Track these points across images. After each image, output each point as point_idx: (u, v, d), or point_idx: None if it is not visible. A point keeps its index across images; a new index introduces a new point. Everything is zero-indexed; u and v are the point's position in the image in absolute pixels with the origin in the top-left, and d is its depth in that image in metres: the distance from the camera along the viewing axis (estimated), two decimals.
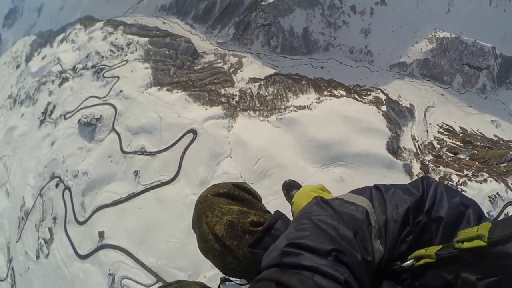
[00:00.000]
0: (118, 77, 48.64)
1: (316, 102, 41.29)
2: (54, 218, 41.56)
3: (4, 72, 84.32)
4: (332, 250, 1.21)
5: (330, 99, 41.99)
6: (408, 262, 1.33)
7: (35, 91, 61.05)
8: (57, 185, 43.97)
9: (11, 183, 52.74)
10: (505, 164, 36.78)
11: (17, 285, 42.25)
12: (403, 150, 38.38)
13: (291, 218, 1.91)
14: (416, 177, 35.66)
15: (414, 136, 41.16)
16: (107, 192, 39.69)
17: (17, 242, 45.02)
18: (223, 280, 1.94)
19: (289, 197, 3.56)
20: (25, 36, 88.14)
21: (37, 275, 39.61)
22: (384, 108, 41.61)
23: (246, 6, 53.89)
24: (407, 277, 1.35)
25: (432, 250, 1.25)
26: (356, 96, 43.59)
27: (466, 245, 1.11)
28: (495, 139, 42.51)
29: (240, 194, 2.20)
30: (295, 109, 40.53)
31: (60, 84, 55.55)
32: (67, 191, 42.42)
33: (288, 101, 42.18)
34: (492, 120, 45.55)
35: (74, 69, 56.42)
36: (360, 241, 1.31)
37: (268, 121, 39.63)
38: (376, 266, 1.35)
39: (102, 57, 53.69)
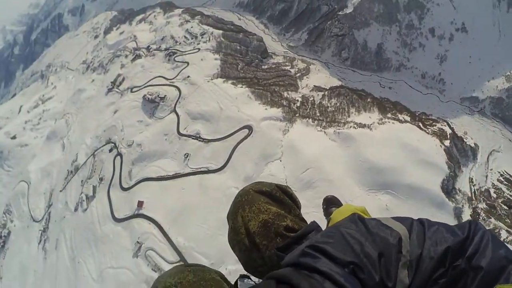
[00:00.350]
0: (188, 63, 50.79)
1: (378, 123, 39.63)
2: (101, 179, 44.17)
3: (82, 40, 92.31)
4: (350, 263, 1.20)
5: (393, 123, 40.10)
6: None
7: (109, 62, 65.83)
8: (110, 150, 46.75)
9: (69, 139, 57.12)
10: None
11: (49, 229, 45.32)
12: (458, 192, 35.44)
13: None
14: None
15: (472, 179, 37.89)
16: (155, 167, 41.26)
17: (60, 191, 48.54)
18: (241, 276, 1.86)
19: (327, 213, 3.49)
20: (106, 11, 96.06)
21: (71, 225, 42.31)
22: (447, 143, 38.64)
23: (322, 14, 53.82)
24: None
25: None
26: (420, 124, 41.14)
27: None
28: None
29: (281, 197, 2.17)
30: (355, 126, 39.24)
31: (133, 60, 59.34)
32: (118, 157, 44.93)
33: (349, 116, 41.05)
34: None
35: (148, 48, 60.03)
36: (384, 264, 1.25)
37: (325, 132, 38.82)
38: None
39: (176, 42, 56.51)
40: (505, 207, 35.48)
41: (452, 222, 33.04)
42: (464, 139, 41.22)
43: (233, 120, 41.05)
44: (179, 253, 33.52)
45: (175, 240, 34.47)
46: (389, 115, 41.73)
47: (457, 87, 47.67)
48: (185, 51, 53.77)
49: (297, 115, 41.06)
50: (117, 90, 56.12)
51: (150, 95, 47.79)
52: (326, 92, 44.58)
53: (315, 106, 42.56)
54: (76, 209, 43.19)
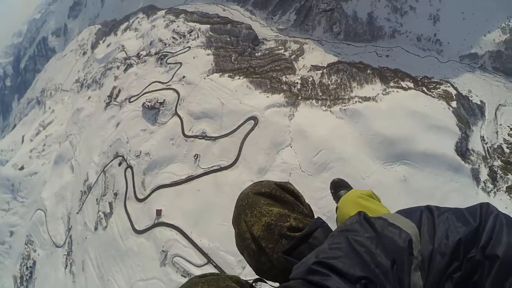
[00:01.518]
0: (180, 63, 50.18)
1: (382, 94, 38.72)
2: (115, 194, 44.27)
3: (71, 59, 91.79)
4: (361, 278, 1.17)
5: (397, 91, 39.18)
6: None
7: (101, 76, 65.41)
8: (120, 164, 46.73)
9: (77, 160, 57.25)
10: None
11: (73, 252, 45.90)
12: (472, 152, 34.68)
13: (334, 224, 1.90)
14: (483, 184, 31.51)
15: (483, 137, 36.99)
16: (167, 173, 41.18)
17: (77, 213, 48.92)
18: (257, 280, 1.90)
19: (336, 197, 3.43)
20: (90, 26, 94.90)
21: (94, 244, 42.65)
22: (454, 104, 37.63)
23: None
24: None
25: None
26: (424, 89, 40.11)
27: None
28: None
29: (282, 195, 2.13)
30: (360, 100, 38.34)
31: (125, 70, 58.85)
32: (129, 169, 44.90)
33: (352, 91, 40.17)
34: None
35: (138, 55, 59.39)
36: (396, 272, 1.21)
37: (331, 111, 38.04)
38: None
39: (165, 44, 55.76)
40: None
41: (470, 184, 32.68)
42: (470, 98, 40.21)
43: (237, 113, 40.55)
44: (205, 255, 33.64)
45: (199, 242, 34.55)
46: (391, 84, 40.71)
47: (455, 46, 45.97)
48: (176, 52, 52.98)
49: (299, 98, 40.30)
50: (115, 102, 55.84)
51: (149, 102, 47.45)
52: (324, 70, 43.51)
53: (316, 86, 41.67)
54: (96, 228, 43.52)
